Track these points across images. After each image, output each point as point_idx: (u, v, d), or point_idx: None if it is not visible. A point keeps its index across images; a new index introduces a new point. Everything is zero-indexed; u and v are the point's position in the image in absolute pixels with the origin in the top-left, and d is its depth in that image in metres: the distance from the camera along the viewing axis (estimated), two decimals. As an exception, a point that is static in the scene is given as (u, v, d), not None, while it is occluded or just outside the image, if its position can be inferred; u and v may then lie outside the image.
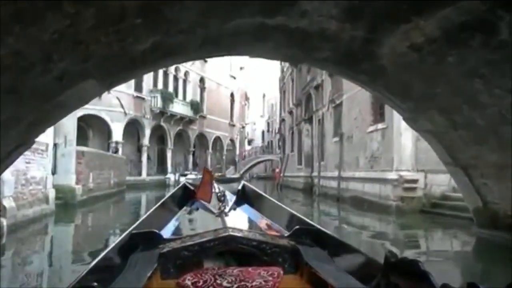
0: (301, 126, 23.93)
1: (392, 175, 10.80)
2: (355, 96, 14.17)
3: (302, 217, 2.97)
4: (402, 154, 10.71)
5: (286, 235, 2.52)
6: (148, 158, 29.23)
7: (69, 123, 12.43)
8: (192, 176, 23.93)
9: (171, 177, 28.70)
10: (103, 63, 3.78)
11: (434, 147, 6.65)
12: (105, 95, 24.58)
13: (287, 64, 29.59)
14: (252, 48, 5.36)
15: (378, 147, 12.11)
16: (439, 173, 10.36)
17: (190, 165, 34.20)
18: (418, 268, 1.26)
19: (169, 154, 30.84)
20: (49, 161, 9.81)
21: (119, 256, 2.25)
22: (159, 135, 30.45)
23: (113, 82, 4.61)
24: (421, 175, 10.57)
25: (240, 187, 3.99)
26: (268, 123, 56.02)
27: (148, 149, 28.20)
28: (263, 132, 57.64)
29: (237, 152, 44.59)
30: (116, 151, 23.23)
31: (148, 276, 1.91)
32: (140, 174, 27.50)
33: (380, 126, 11.98)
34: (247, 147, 51.80)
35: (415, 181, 10.50)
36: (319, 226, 2.69)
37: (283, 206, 3.45)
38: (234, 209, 3.28)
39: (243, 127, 48.36)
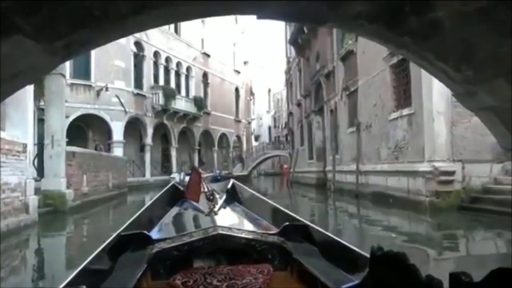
0: (311, 118, 22.54)
1: (423, 167, 9.39)
2: (373, 80, 12.80)
3: (292, 213, 3.03)
4: (436, 142, 9.27)
5: (275, 232, 2.47)
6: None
7: (56, 121, 11.21)
8: None
9: (176, 176, 27.45)
10: (34, 8, 2.45)
11: (494, 128, 5.18)
12: (103, 93, 23.55)
13: (293, 54, 28.21)
14: (262, 4, 4.08)
15: (404, 135, 10.72)
16: (479, 162, 9.05)
17: (196, 164, 32.97)
18: (404, 261, 1.20)
19: (173, 153, 29.67)
20: (29, 164, 8.54)
21: (108, 258, 2.21)
22: (162, 134, 29.28)
23: (68, 47, 3.23)
24: (458, 166, 9.15)
25: (229, 186, 3.96)
26: (274, 118, 54.94)
27: (152, 148, 26.98)
28: (269, 128, 56.53)
29: (244, 148, 43.29)
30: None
31: (138, 278, 1.88)
32: (144, 174, 26.31)
33: (405, 111, 10.58)
34: (254, 143, 50.53)
35: (451, 173, 9.07)
36: (308, 222, 2.68)
37: (272, 203, 3.46)
38: (224, 207, 3.19)
39: (249, 123, 47.07)
